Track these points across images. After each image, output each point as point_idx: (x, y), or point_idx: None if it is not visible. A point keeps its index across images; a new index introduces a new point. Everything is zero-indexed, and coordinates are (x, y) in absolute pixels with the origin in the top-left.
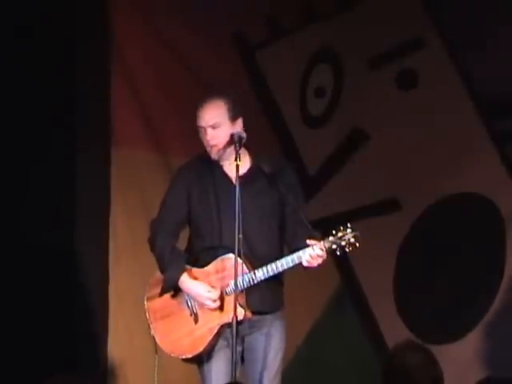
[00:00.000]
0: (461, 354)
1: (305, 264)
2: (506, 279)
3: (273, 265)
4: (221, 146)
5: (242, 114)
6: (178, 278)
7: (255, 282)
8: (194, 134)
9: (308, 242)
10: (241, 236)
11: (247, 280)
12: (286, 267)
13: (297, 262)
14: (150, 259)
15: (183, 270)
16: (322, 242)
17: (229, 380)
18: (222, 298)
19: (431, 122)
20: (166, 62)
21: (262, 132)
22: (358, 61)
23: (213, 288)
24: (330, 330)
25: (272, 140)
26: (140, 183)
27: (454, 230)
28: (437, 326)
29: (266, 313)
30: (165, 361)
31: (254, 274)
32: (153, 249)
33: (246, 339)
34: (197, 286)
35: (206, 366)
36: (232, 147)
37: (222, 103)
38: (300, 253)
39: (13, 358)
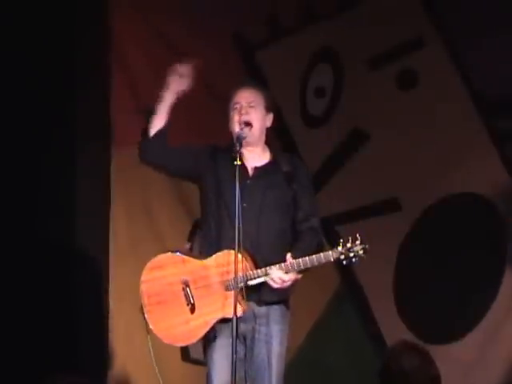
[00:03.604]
0: (461, 354)
1: (271, 284)
2: (506, 279)
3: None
4: (255, 126)
5: (275, 111)
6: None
7: (253, 282)
8: (194, 133)
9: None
10: (241, 227)
11: (247, 278)
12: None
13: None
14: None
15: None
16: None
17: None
18: (221, 293)
19: (431, 122)
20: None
21: None
22: (358, 61)
23: (212, 283)
24: (331, 331)
25: (272, 140)
26: (140, 183)
27: (454, 230)
28: (437, 326)
29: (277, 302)
30: (166, 358)
31: (254, 273)
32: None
33: (249, 340)
34: None
35: (211, 363)
36: (259, 139)
37: (260, 91)
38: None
39: (13, 357)
